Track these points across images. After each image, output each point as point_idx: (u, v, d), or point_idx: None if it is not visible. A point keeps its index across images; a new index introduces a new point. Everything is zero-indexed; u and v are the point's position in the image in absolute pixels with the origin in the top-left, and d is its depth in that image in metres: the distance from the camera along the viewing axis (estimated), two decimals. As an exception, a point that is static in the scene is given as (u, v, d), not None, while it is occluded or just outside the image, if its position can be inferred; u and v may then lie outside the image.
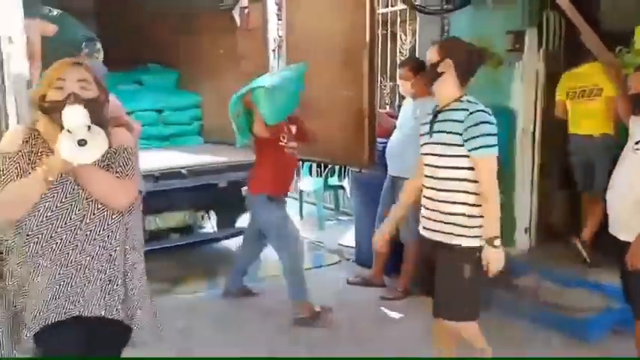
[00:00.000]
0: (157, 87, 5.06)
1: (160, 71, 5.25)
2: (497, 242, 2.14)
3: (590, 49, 3.44)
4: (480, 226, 2.16)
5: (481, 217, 2.16)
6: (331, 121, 3.58)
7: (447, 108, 2.20)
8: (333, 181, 5.78)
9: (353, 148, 3.43)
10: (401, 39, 5.27)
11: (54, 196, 1.63)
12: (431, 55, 2.22)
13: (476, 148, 2.11)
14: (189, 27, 5.07)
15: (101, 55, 3.39)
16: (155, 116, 4.85)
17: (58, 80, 1.62)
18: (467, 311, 2.25)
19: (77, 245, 1.66)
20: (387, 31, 5.25)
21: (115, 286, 1.73)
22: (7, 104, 2.89)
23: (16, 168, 1.61)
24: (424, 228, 2.31)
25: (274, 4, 4.72)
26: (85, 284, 1.67)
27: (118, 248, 1.73)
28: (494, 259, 2.14)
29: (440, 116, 2.21)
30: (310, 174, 5.87)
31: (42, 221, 1.62)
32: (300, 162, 4.99)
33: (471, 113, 2.13)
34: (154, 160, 3.97)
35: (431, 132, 2.22)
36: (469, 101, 2.19)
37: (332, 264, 4.46)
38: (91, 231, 1.67)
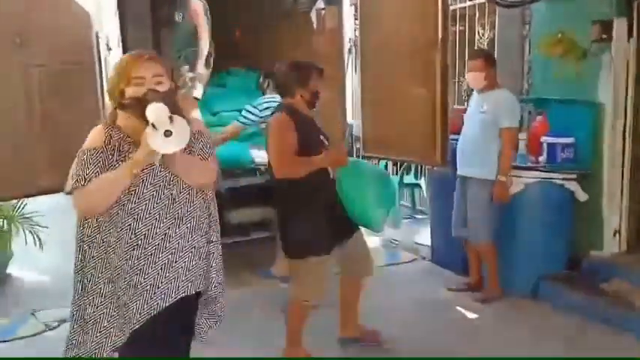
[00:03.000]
0: (238, 89, 5.29)
1: (241, 74, 5.49)
2: None
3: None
4: None
5: None
6: (405, 119, 3.57)
7: None
8: (409, 179, 5.75)
9: (427, 146, 3.39)
10: (479, 34, 5.13)
11: (140, 185, 1.69)
12: None
13: None
14: (267, 29, 5.25)
15: None
16: (237, 116, 5.07)
17: (136, 78, 1.68)
18: None
19: (169, 227, 1.73)
20: (464, 26, 5.12)
21: (202, 262, 1.81)
22: (105, 102, 3.20)
23: (98, 164, 1.67)
24: None
25: (350, 5, 4.78)
26: (181, 267, 1.75)
27: (204, 226, 1.81)
28: None
29: None
30: (386, 172, 5.87)
31: (132, 209, 1.69)
32: (377, 161, 5.01)
33: None
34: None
35: None
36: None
37: (407, 262, 4.44)
38: (179, 213, 1.74)
